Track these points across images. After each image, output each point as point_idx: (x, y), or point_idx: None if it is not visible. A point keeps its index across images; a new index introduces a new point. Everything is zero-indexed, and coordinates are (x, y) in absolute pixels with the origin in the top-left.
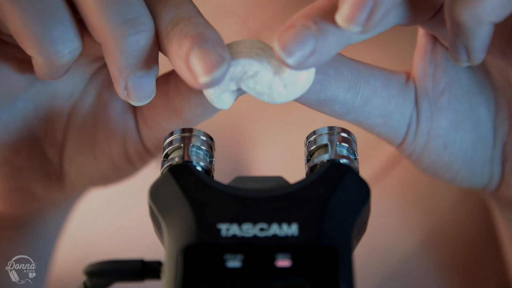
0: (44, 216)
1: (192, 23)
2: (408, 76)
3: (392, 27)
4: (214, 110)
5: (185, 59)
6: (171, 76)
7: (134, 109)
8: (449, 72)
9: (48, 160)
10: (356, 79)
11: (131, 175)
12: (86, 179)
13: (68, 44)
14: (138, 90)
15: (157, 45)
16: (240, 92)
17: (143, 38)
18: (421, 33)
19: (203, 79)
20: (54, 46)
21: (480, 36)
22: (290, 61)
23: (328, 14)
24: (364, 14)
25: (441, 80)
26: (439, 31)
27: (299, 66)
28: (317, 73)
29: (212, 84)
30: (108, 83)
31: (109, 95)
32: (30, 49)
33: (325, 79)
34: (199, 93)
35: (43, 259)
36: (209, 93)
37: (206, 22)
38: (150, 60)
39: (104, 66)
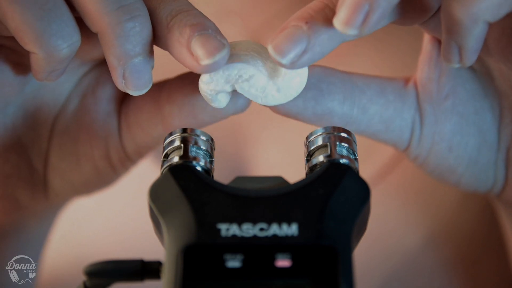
0: (27, 226)
1: (191, 14)
2: (407, 81)
3: (393, 32)
4: (202, 122)
5: (187, 45)
6: (165, 85)
7: (119, 112)
8: (454, 76)
9: (33, 169)
10: (350, 89)
11: (113, 181)
12: (69, 187)
13: (67, 38)
14: (136, 78)
15: (152, 35)
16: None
17: (138, 24)
18: (427, 39)
19: (205, 61)
20: (53, 40)
21: (474, 35)
22: (284, 61)
23: (320, 14)
24: (360, 18)
25: (446, 85)
26: (440, 32)
27: (293, 65)
28: (310, 88)
29: (213, 66)
30: (93, 88)
31: (93, 99)
32: (30, 44)
33: (319, 94)
34: (192, 103)
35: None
36: (206, 93)
37: (203, 14)
38: (146, 47)
39: (88, 72)
